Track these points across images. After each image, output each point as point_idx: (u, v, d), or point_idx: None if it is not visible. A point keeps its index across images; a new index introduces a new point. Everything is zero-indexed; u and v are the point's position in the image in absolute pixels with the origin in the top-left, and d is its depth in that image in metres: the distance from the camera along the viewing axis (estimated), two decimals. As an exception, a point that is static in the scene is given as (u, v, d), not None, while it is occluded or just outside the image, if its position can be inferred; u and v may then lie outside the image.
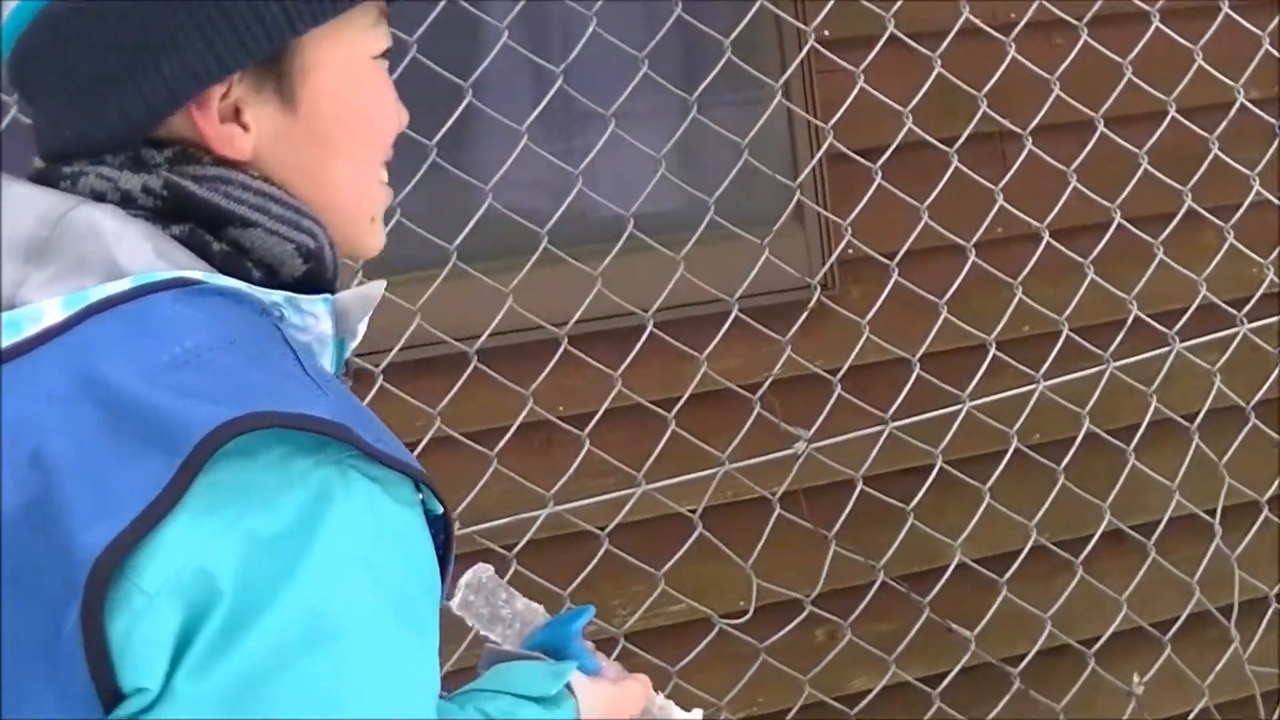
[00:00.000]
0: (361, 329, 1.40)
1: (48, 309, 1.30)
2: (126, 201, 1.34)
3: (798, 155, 3.51)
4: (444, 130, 2.94)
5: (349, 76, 1.40)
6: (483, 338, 2.98)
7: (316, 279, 1.37)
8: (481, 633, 1.59)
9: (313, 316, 1.35)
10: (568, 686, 1.52)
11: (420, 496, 1.29)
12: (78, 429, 1.23)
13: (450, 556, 1.34)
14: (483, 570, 1.59)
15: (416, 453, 2.87)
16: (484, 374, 3.01)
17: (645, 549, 3.17)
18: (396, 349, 2.91)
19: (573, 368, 3.12)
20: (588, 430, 3.10)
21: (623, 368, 3.13)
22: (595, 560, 3.09)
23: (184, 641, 1.18)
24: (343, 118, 1.40)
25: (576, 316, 3.08)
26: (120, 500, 1.19)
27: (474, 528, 2.90)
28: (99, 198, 1.34)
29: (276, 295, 1.33)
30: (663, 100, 3.31)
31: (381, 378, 2.87)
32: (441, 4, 2.94)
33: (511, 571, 2.88)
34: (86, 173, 1.36)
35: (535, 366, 3.08)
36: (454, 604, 1.57)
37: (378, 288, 1.39)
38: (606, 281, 3.10)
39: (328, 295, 1.36)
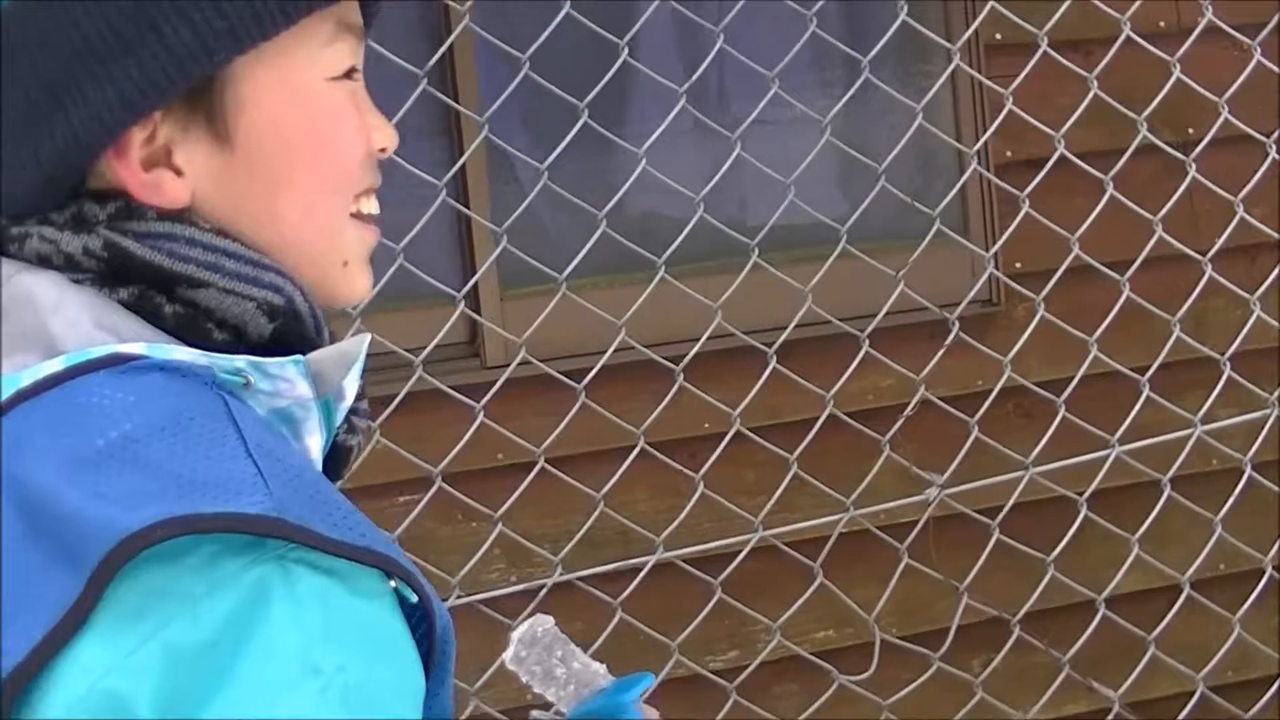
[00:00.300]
0: (350, 388, 1.25)
1: None
2: (71, 265, 1.22)
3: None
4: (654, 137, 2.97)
5: (293, 103, 1.25)
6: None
7: (291, 335, 1.24)
8: (535, 690, 1.50)
9: (284, 381, 1.21)
10: None
11: (393, 584, 1.15)
12: None
13: (439, 644, 1.18)
14: (540, 623, 1.51)
15: (721, 447, 2.98)
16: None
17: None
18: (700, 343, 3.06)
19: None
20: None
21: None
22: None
23: None
24: (287, 150, 1.25)
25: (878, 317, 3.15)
26: (27, 622, 1.08)
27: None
28: (44, 261, 1.22)
29: (239, 361, 1.19)
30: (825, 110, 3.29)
31: (681, 376, 3.05)
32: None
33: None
34: (31, 234, 1.23)
35: (836, 364, 3.13)
36: (506, 658, 1.50)
37: (358, 344, 1.25)
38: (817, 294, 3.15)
39: (298, 357, 1.22)
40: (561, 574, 3.01)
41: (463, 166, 3.15)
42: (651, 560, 2.92)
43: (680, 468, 3.10)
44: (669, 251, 3.09)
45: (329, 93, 1.27)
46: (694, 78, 3.13)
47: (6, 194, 1.25)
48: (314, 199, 1.26)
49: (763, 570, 3.14)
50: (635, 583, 2.93)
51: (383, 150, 1.30)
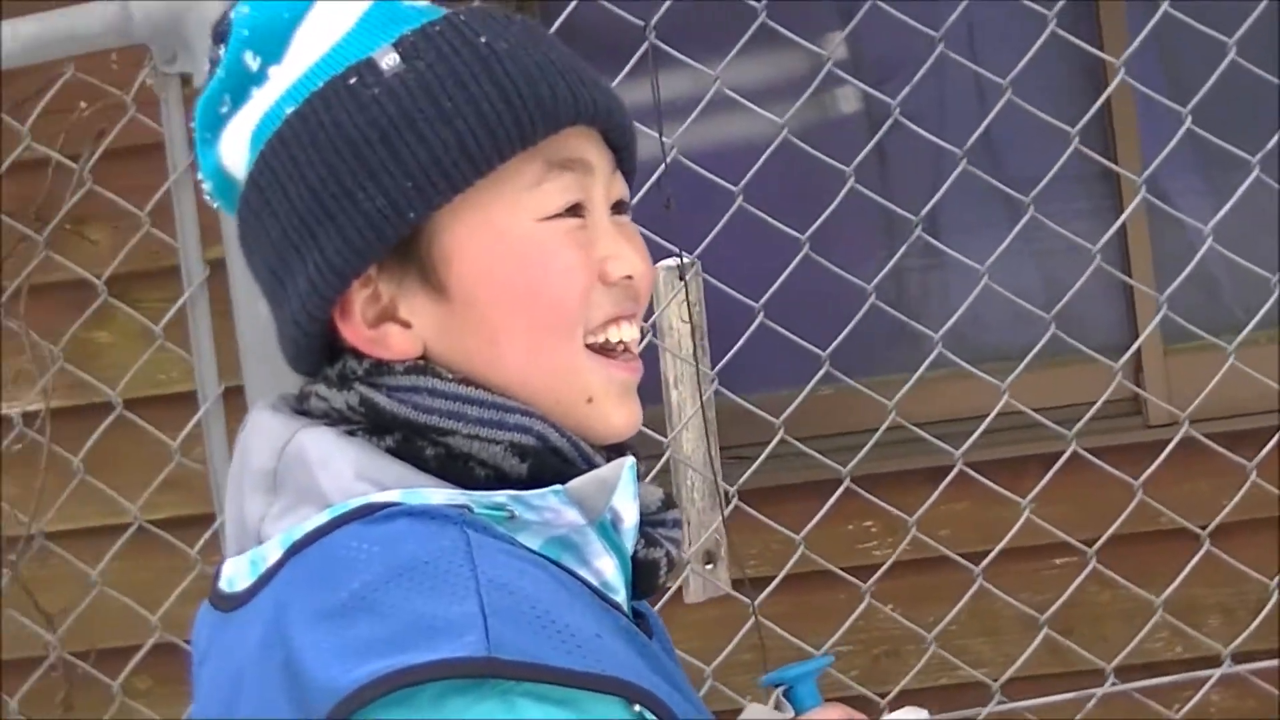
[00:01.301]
0: (625, 509, 1.26)
1: (269, 550, 1.24)
2: (343, 419, 1.27)
3: None
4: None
5: (498, 249, 1.25)
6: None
7: (548, 470, 1.25)
8: None
9: (550, 510, 1.22)
10: None
11: (638, 709, 1.15)
12: (262, 689, 1.17)
13: None
14: (913, 714, 1.47)
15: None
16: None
17: None
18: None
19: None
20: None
21: None
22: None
23: None
24: (499, 296, 1.26)
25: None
26: None
27: None
28: (325, 417, 1.28)
29: (499, 496, 1.22)
30: None
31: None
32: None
33: None
34: (310, 393, 1.30)
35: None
36: None
37: (616, 468, 1.24)
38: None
39: (558, 487, 1.23)
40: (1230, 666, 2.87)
41: (1124, 225, 3.06)
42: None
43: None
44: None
45: (537, 234, 1.25)
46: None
47: (291, 355, 1.32)
48: (534, 342, 1.26)
49: None
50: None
51: (628, 278, 1.28)
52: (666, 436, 2.65)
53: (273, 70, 1.29)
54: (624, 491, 1.25)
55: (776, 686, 1.72)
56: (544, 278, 1.26)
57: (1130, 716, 3.04)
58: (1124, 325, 3.22)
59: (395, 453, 1.25)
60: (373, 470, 1.24)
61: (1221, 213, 2.81)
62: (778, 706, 1.73)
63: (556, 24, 2.31)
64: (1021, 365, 2.67)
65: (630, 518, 1.27)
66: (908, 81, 2.56)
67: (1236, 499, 2.86)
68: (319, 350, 1.30)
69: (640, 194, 2.51)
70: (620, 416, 1.30)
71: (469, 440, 1.24)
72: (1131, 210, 2.99)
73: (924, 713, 1.48)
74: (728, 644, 2.66)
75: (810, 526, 2.84)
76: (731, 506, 2.69)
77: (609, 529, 1.27)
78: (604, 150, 1.30)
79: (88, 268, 2.82)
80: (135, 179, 2.67)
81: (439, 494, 1.22)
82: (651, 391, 2.61)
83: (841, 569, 2.89)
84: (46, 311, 3.02)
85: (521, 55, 1.26)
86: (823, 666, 1.71)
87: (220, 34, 1.32)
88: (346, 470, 1.24)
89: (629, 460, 1.25)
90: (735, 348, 2.75)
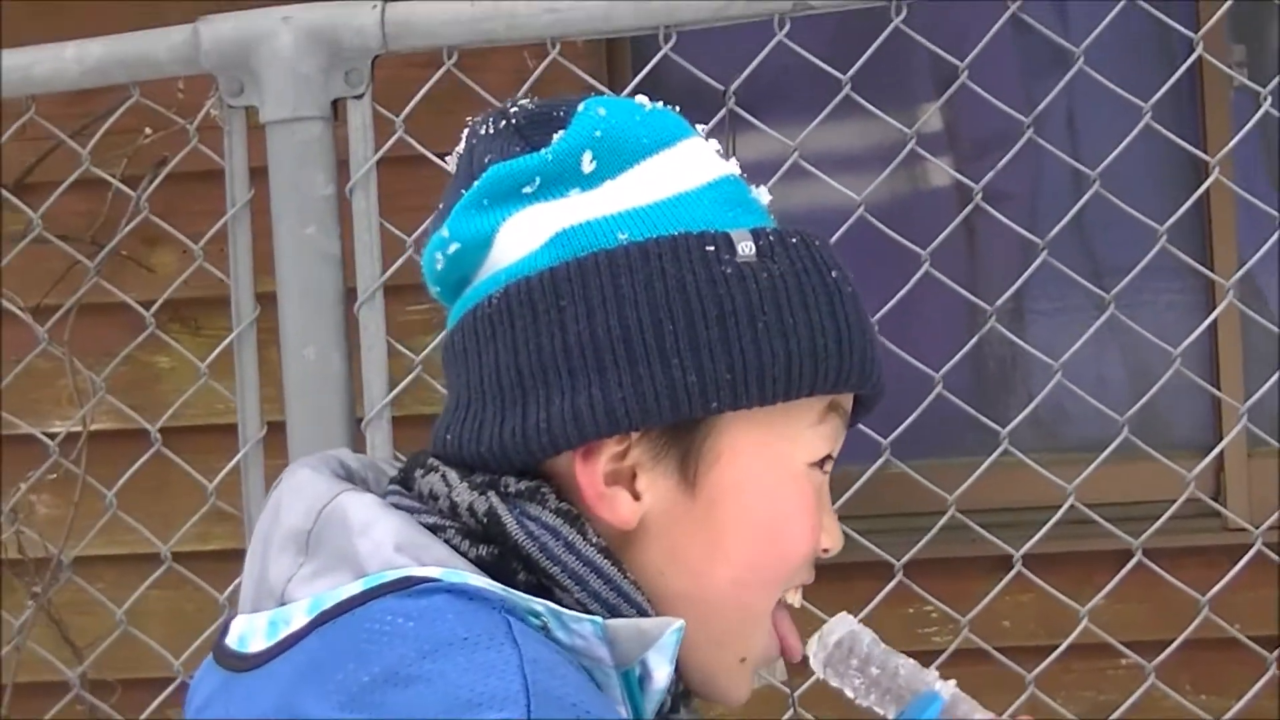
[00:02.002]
0: (658, 669, 1.21)
1: (295, 613, 1.20)
2: (450, 513, 1.24)
3: None
4: None
5: (764, 478, 1.24)
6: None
7: (608, 604, 1.23)
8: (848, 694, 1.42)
9: (581, 638, 1.18)
10: None
11: None
12: None
13: None
14: (844, 625, 1.39)
15: None
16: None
17: None
18: None
19: None
20: None
21: None
22: None
23: None
24: (744, 520, 1.23)
25: None
26: None
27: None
28: (428, 499, 1.26)
29: (537, 605, 1.18)
30: None
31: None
32: None
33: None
34: (438, 470, 1.27)
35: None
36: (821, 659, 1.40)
37: (660, 624, 1.20)
38: None
39: (597, 618, 1.18)
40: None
41: (1214, 322, 2.97)
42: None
43: None
44: None
45: (801, 478, 1.25)
46: None
47: (449, 443, 1.27)
48: (748, 578, 1.24)
49: None
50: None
51: (825, 551, 1.28)
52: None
53: (609, 184, 1.26)
54: (662, 652, 1.21)
55: None
56: (789, 526, 1.25)
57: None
58: (1208, 424, 3.12)
59: (482, 563, 1.22)
60: (417, 548, 1.21)
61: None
62: None
63: (637, 79, 2.26)
64: (1090, 468, 2.59)
65: (661, 680, 1.22)
66: (1002, 158, 2.50)
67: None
68: (504, 464, 1.25)
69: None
70: (746, 690, 1.30)
71: (564, 594, 1.22)
72: (1222, 309, 2.91)
73: (853, 620, 1.41)
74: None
75: (864, 612, 2.77)
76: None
77: (634, 682, 1.23)
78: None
79: (151, 291, 2.81)
80: (205, 203, 2.64)
81: (479, 580, 1.18)
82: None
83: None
84: (108, 331, 3.00)
85: (855, 304, 1.27)
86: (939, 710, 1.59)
87: (562, 117, 1.28)
88: (388, 541, 1.20)
89: (679, 622, 1.21)
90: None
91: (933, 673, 1.38)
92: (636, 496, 1.23)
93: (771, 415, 1.23)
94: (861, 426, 2.61)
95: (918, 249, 2.50)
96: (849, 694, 1.39)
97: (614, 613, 1.21)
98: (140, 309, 2.47)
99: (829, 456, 1.26)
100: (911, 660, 1.39)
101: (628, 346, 1.21)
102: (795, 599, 1.28)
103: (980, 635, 2.88)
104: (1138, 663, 2.87)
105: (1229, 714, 2.76)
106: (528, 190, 1.26)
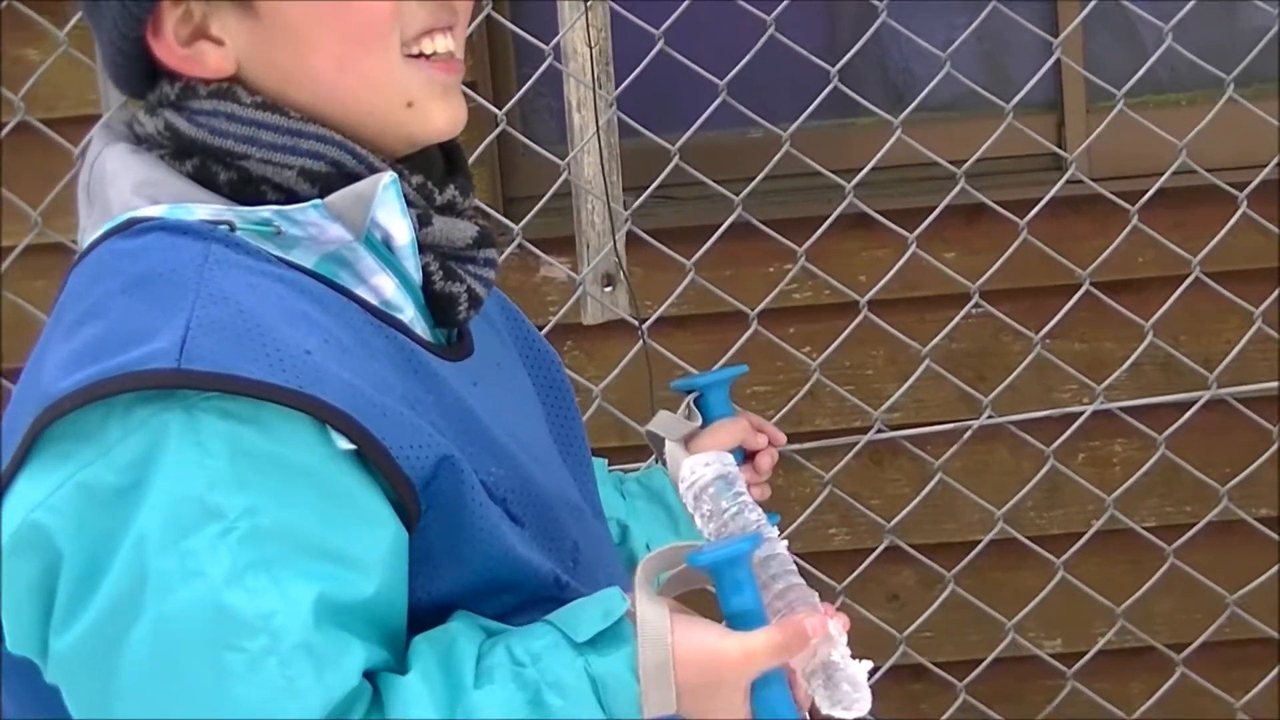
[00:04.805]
0: (396, 228, 1.28)
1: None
2: (155, 144, 1.30)
3: None
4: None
5: None
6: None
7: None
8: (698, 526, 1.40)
9: (314, 225, 1.25)
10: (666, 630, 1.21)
11: (332, 431, 1.16)
12: (19, 392, 1.23)
13: (399, 487, 1.18)
14: (706, 461, 1.39)
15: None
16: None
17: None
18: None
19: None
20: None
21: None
22: None
23: (49, 597, 1.15)
24: (309, 13, 1.26)
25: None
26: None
27: None
28: (144, 142, 1.31)
29: (264, 211, 1.25)
30: None
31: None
32: None
33: None
34: (134, 118, 1.33)
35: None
36: (693, 482, 1.39)
37: (371, 183, 1.26)
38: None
39: (316, 201, 1.25)
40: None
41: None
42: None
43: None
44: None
45: None
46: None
47: (115, 78, 1.34)
48: (344, 53, 1.27)
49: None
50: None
51: None
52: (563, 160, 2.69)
53: None
54: (388, 208, 1.27)
55: (688, 392, 1.70)
56: None
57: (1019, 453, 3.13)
58: (1050, 81, 3.23)
59: (193, 177, 1.28)
60: (152, 186, 1.27)
61: None
62: (688, 415, 1.72)
63: None
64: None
65: (401, 237, 1.29)
66: None
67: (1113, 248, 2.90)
68: (140, 73, 1.32)
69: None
70: (442, 116, 1.31)
71: (263, 165, 1.27)
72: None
73: (728, 457, 1.42)
74: (645, 381, 2.70)
75: (700, 254, 2.90)
76: (625, 228, 2.72)
77: (379, 247, 1.29)
78: None
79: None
80: None
81: (205, 209, 1.25)
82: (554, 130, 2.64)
83: (760, 311, 2.93)
84: None
85: None
86: (735, 375, 1.68)
87: None
88: (126, 185, 1.28)
89: (386, 175, 1.27)
90: (635, 73, 2.77)
91: (773, 530, 1.37)
92: (220, 43, 1.28)
93: None
94: (698, 69, 2.69)
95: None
96: (697, 522, 1.40)
97: (292, 153, 1.26)
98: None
99: None
100: (764, 517, 1.37)
101: None
102: (437, 44, 1.30)
103: (842, 286, 3.01)
104: (987, 310, 3.03)
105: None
106: None
